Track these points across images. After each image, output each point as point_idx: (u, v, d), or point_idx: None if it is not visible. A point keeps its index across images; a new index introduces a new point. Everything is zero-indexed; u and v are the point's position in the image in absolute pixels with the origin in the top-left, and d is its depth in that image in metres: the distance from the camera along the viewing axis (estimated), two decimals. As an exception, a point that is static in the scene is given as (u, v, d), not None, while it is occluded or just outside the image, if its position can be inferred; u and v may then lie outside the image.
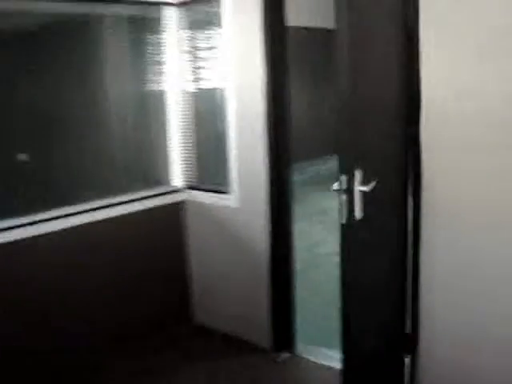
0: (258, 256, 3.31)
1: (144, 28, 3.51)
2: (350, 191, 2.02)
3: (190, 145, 3.65)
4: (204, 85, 3.57)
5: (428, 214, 2.45)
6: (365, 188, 2.04)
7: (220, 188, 3.50)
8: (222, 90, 3.43)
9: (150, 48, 3.55)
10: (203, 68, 3.53)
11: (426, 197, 2.45)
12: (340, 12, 1.95)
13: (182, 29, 3.55)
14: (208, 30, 3.46)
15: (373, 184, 2.08)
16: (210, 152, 3.65)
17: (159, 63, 3.57)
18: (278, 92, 3.11)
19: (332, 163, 9.29)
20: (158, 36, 3.54)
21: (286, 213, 3.26)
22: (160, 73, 3.58)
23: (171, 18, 3.54)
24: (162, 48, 3.56)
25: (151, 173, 3.66)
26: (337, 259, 5.27)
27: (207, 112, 3.60)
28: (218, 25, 3.34)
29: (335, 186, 2.10)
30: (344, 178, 2.01)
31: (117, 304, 3.37)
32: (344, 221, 2.03)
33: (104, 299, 3.30)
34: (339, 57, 1.96)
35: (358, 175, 2.03)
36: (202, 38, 3.49)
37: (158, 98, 3.61)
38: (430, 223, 2.45)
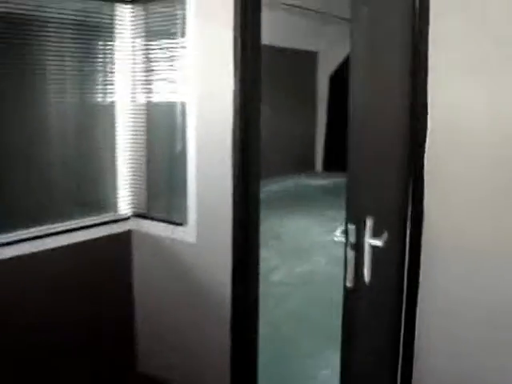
0: (217, 300, 2.71)
1: (94, 35, 2.87)
2: (358, 246, 1.51)
3: (141, 164, 3.04)
4: (159, 98, 2.98)
5: (427, 253, 2.00)
6: (377, 242, 1.54)
7: (174, 218, 2.91)
8: (180, 104, 2.86)
9: (100, 56, 2.92)
10: (159, 80, 2.94)
11: (427, 235, 2.00)
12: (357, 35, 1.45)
13: (137, 37, 2.95)
14: (167, 39, 2.88)
15: (385, 236, 1.58)
16: (163, 174, 3.05)
17: (109, 73, 2.95)
18: (249, 107, 2.58)
19: (286, 183, 8.97)
20: (110, 44, 2.91)
21: (253, 250, 2.72)
22: (110, 84, 2.96)
23: (125, 25, 2.94)
24: (114, 57, 2.94)
25: (94, 196, 2.99)
26: (291, 288, 5.10)
27: (162, 128, 2.99)
28: (180, 34, 2.78)
29: (338, 235, 1.58)
30: (352, 228, 1.50)
31: (48, 352, 2.70)
32: (350, 284, 1.50)
33: (32, 346, 2.63)
34: (355, 96, 1.48)
35: (369, 224, 1.52)
36: (160, 47, 2.91)
37: (106, 112, 2.96)
38: (429, 265, 2.00)
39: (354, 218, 1.51)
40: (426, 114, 1.95)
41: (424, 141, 1.98)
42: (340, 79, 9.40)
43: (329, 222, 7.76)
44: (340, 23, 8.39)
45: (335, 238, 1.58)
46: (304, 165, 8.90)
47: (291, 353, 3.50)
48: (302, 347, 3.61)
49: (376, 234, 1.54)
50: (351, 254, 1.51)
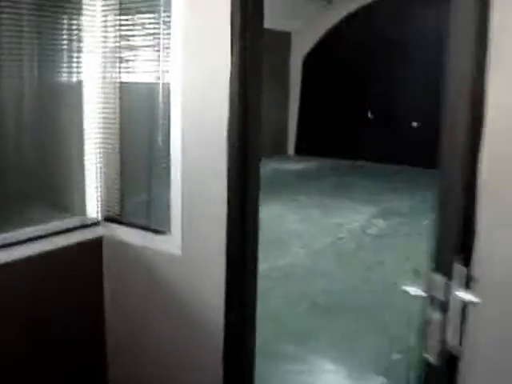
0: (208, 326, 2.16)
1: (58, 9, 2.25)
2: (445, 304, 1.01)
3: (113, 157, 2.43)
4: (136, 78, 2.37)
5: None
6: (471, 297, 1.05)
7: (154, 223, 2.34)
8: (162, 86, 2.28)
9: (65, 32, 2.29)
10: (136, 58, 2.34)
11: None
12: None
13: (110, 12, 2.32)
14: (145, 14, 2.29)
15: (475, 286, 1.08)
16: (141, 169, 2.46)
17: (76, 51, 2.32)
18: (250, 82, 2.04)
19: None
20: (78, 19, 2.29)
21: (252, 264, 2.20)
22: (76, 63, 2.33)
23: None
24: (82, 32, 2.31)
25: (56, 198, 2.38)
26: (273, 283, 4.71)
27: (140, 113, 2.39)
28: (162, 8, 2.19)
29: (413, 288, 1.07)
30: (439, 278, 1.00)
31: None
32: (436, 361, 1.01)
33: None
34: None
35: (459, 273, 1.02)
36: (138, 23, 2.30)
37: (72, 97, 2.31)
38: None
39: (443, 265, 1.01)
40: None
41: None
42: (314, 61, 8.87)
43: (302, 208, 7.37)
44: (314, 2, 7.83)
45: (408, 290, 1.07)
46: (276, 148, 8.38)
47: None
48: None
49: (468, 285, 1.05)
50: (437, 315, 1.01)
